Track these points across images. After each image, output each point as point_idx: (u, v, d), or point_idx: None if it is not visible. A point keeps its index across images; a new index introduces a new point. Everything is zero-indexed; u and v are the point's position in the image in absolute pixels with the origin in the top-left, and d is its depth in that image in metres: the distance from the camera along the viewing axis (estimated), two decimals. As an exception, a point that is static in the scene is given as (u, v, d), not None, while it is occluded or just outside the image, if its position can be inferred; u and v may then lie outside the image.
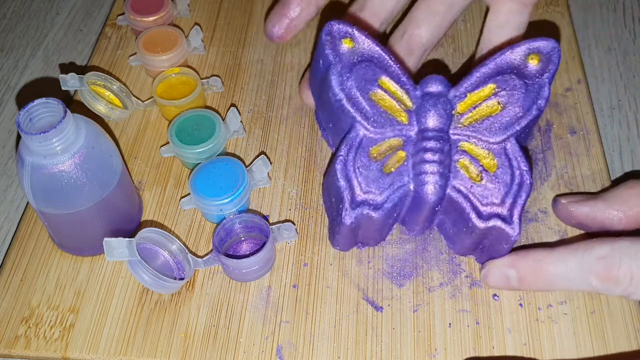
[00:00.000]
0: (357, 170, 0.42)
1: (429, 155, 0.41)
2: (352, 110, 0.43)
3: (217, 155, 0.47)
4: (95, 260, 0.45)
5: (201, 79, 0.53)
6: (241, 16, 0.60)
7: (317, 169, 0.49)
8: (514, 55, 0.44)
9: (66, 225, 0.43)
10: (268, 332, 0.41)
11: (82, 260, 0.45)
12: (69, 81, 0.49)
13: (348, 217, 0.41)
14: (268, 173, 0.47)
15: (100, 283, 0.44)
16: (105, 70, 0.56)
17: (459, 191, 0.41)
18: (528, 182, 0.41)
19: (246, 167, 0.46)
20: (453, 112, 0.43)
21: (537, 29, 0.55)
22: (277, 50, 0.57)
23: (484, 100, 0.43)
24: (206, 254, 0.44)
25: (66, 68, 0.59)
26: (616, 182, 0.44)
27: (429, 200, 0.41)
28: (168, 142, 0.48)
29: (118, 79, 0.54)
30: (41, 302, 0.43)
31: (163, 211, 0.47)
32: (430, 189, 0.41)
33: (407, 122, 0.43)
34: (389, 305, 0.42)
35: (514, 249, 0.42)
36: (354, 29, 0.44)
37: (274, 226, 0.44)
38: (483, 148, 0.42)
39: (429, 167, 0.41)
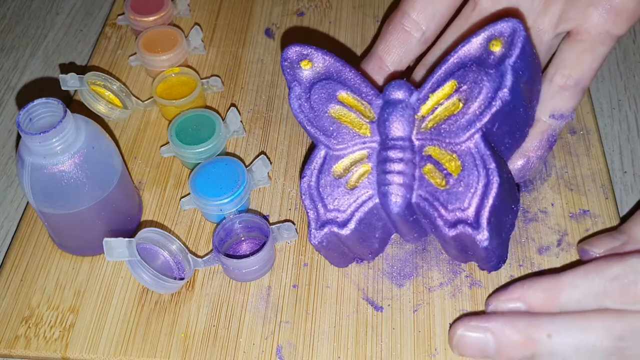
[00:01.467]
0: (320, 190, 0.41)
1: (391, 166, 0.40)
2: (312, 130, 0.43)
3: (217, 155, 0.47)
4: (95, 260, 0.45)
5: (201, 78, 0.53)
6: (241, 16, 0.60)
7: (317, 168, 0.49)
8: (475, 44, 0.41)
9: (66, 225, 0.43)
10: (268, 332, 0.41)
11: (82, 260, 0.45)
12: (69, 81, 0.49)
13: (314, 238, 0.41)
14: (268, 173, 0.47)
15: (100, 283, 0.44)
16: (105, 70, 0.56)
17: (425, 199, 0.40)
18: (495, 180, 0.38)
19: (246, 167, 0.46)
20: (416, 116, 0.41)
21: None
22: (277, 50, 0.57)
23: (446, 99, 0.41)
24: (206, 254, 0.44)
25: (66, 68, 0.59)
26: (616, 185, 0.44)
27: (393, 212, 0.40)
28: (168, 142, 0.48)
29: (118, 79, 0.54)
30: (41, 302, 0.43)
31: (163, 211, 0.47)
32: (392, 200, 0.40)
33: (369, 134, 0.42)
34: (389, 305, 0.42)
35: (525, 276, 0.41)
36: (311, 49, 0.44)
37: (274, 226, 0.44)
38: (447, 150, 0.40)
39: (391, 178, 0.40)
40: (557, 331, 0.36)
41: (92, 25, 0.63)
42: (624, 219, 0.43)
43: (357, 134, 0.42)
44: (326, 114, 0.43)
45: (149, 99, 0.53)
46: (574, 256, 0.43)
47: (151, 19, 0.55)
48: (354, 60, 0.51)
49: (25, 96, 0.58)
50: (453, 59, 0.41)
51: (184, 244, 0.44)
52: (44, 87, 0.58)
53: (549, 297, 0.38)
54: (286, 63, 0.44)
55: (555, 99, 0.44)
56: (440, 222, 0.39)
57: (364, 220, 0.41)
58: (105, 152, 0.42)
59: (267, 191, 0.48)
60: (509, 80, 0.39)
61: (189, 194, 0.45)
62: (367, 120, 0.43)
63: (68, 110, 0.39)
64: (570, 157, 0.48)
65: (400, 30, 0.46)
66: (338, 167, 0.42)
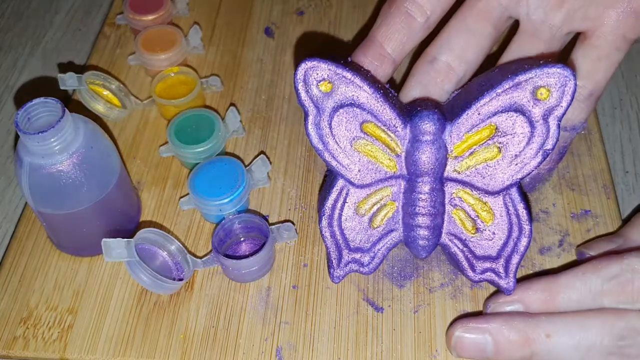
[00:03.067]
0: (343, 228, 0.40)
1: (419, 208, 0.39)
2: (333, 164, 0.39)
3: (217, 155, 0.47)
4: (94, 261, 0.44)
5: (200, 78, 0.53)
6: (241, 15, 0.60)
7: (317, 169, 0.48)
8: (519, 88, 0.37)
9: (65, 225, 0.42)
10: (268, 333, 0.41)
11: (80, 260, 0.45)
12: (68, 80, 0.49)
13: (336, 279, 0.41)
14: (268, 173, 0.47)
15: (98, 284, 0.43)
16: (104, 70, 0.55)
17: (453, 242, 0.40)
18: (527, 235, 0.39)
19: (245, 167, 0.45)
20: (448, 155, 0.39)
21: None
22: (277, 49, 0.57)
23: (483, 143, 0.38)
24: (205, 255, 0.44)
25: (65, 67, 0.59)
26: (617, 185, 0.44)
27: (420, 256, 0.41)
28: (167, 142, 0.48)
29: (117, 79, 0.53)
30: (39, 303, 0.43)
31: (162, 211, 0.47)
32: (421, 244, 0.40)
33: (396, 170, 0.40)
34: (389, 305, 0.42)
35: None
36: (331, 67, 0.38)
37: (273, 226, 0.44)
38: (479, 196, 0.39)
39: (420, 221, 0.39)
40: (555, 331, 0.36)
41: (91, 25, 0.63)
42: (626, 220, 0.43)
43: (382, 170, 0.40)
44: (349, 147, 0.39)
45: (147, 98, 0.53)
46: (575, 256, 0.43)
47: (150, 18, 0.55)
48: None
49: (23, 96, 0.57)
50: (493, 100, 0.37)
51: (183, 244, 0.44)
52: (43, 87, 0.58)
53: (547, 298, 0.38)
54: (301, 84, 0.38)
55: (568, 111, 0.42)
56: (466, 266, 0.40)
57: (385, 256, 0.41)
58: (104, 152, 0.41)
59: (267, 191, 0.47)
60: (554, 137, 0.37)
61: (188, 194, 0.45)
62: (394, 155, 0.40)
63: (66, 109, 0.38)
64: (572, 157, 0.48)
65: (403, 13, 0.42)
66: (362, 204, 0.40)
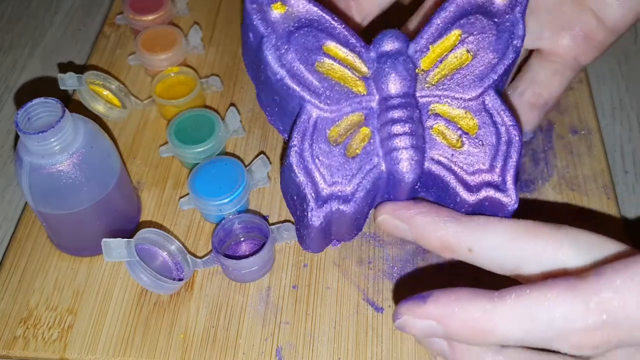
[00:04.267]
0: (316, 160, 0.36)
1: (397, 128, 0.36)
2: (298, 88, 0.36)
3: (217, 155, 0.47)
4: (94, 261, 0.44)
5: (200, 78, 0.53)
6: (241, 14, 0.60)
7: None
8: None
9: (65, 225, 0.42)
10: (268, 333, 0.41)
11: (80, 260, 0.45)
12: (68, 81, 0.49)
13: (316, 218, 0.36)
14: (268, 173, 0.47)
15: (98, 284, 0.43)
16: (104, 70, 0.55)
17: (439, 162, 0.36)
18: (517, 138, 0.36)
19: (246, 167, 0.45)
20: (417, 70, 0.37)
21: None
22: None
23: (451, 51, 0.37)
24: (205, 255, 0.44)
25: (65, 67, 0.59)
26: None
27: (406, 180, 0.36)
28: (167, 142, 0.48)
29: (117, 79, 0.53)
30: (39, 303, 0.43)
31: (162, 211, 0.47)
32: (406, 166, 0.35)
33: (365, 92, 0.37)
34: (389, 305, 0.42)
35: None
36: None
37: (273, 226, 0.44)
38: (459, 107, 0.37)
39: (399, 142, 0.35)
40: (478, 246, 0.33)
41: (91, 25, 0.63)
42: (626, 220, 0.43)
43: (351, 92, 0.37)
44: (312, 68, 0.37)
45: (147, 98, 0.53)
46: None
47: (150, 18, 0.55)
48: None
49: (23, 96, 0.57)
50: (451, 6, 0.37)
51: (182, 244, 0.44)
52: (43, 87, 0.58)
53: (479, 329, 0.30)
54: (254, 6, 0.37)
55: (522, 116, 0.44)
56: (460, 188, 0.36)
57: (368, 192, 0.36)
58: (104, 152, 0.41)
59: (267, 191, 0.47)
60: (520, 29, 0.37)
61: (188, 194, 0.45)
62: (360, 76, 0.37)
63: (66, 109, 0.38)
64: (572, 157, 0.48)
65: (343, 7, 0.43)
66: (333, 131, 0.37)
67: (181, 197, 0.47)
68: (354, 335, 0.40)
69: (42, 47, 0.61)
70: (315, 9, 0.37)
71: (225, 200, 0.43)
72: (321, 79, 0.37)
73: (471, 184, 0.36)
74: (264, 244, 0.42)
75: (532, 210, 0.45)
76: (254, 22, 0.37)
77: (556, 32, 0.43)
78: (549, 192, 0.46)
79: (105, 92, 0.52)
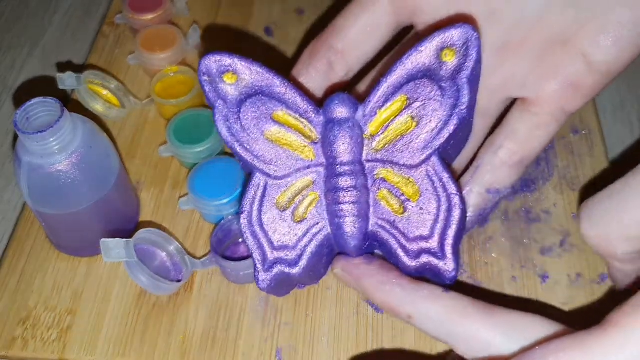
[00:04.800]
0: (264, 227, 0.38)
1: (343, 196, 0.37)
2: (247, 157, 0.38)
3: (216, 154, 0.47)
4: (93, 261, 0.44)
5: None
6: (241, 14, 0.60)
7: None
8: (424, 53, 0.36)
9: (64, 225, 0.42)
10: (267, 334, 0.41)
11: (79, 261, 0.44)
12: (67, 80, 0.49)
13: (262, 282, 0.38)
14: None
15: (98, 284, 0.43)
16: (104, 69, 0.55)
17: (383, 227, 0.37)
18: (458, 206, 0.36)
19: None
20: (364, 135, 0.38)
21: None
22: (277, 49, 0.57)
23: (396, 117, 0.37)
24: (204, 256, 0.44)
25: (64, 67, 0.59)
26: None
27: (350, 246, 0.38)
28: (166, 142, 0.48)
29: (116, 78, 0.53)
30: (38, 304, 0.42)
31: (161, 212, 0.47)
32: (349, 232, 0.37)
33: (313, 158, 0.38)
34: (389, 306, 0.41)
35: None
36: (234, 59, 0.38)
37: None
38: (402, 174, 0.37)
39: (344, 209, 0.37)
40: (418, 314, 0.35)
41: (90, 24, 0.63)
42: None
43: (299, 158, 0.38)
44: (262, 137, 0.38)
45: (147, 98, 0.53)
46: (576, 257, 0.43)
47: (149, 17, 0.54)
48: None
49: (22, 95, 0.57)
50: (400, 70, 0.37)
51: (182, 245, 0.44)
52: (42, 87, 0.58)
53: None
54: (205, 78, 0.38)
55: (496, 174, 0.41)
56: (401, 253, 0.37)
57: (315, 254, 0.38)
58: (103, 152, 0.41)
59: (267, 191, 0.47)
60: (466, 96, 0.36)
61: (187, 194, 0.45)
62: (309, 142, 0.38)
63: (65, 109, 0.38)
64: (573, 157, 0.48)
65: (324, 64, 0.42)
66: (282, 197, 0.38)
67: (180, 197, 0.47)
68: (354, 336, 0.40)
69: (41, 46, 0.61)
70: (267, 75, 0.38)
71: (225, 201, 0.43)
72: (270, 147, 0.38)
73: (410, 250, 0.37)
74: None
75: (532, 211, 0.45)
76: (206, 93, 0.38)
77: (541, 78, 0.39)
78: (549, 192, 0.46)
79: (105, 92, 0.52)
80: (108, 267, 0.44)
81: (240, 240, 0.44)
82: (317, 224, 0.38)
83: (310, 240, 0.38)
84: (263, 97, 0.38)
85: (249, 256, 0.41)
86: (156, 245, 0.43)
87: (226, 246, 0.44)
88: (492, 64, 0.39)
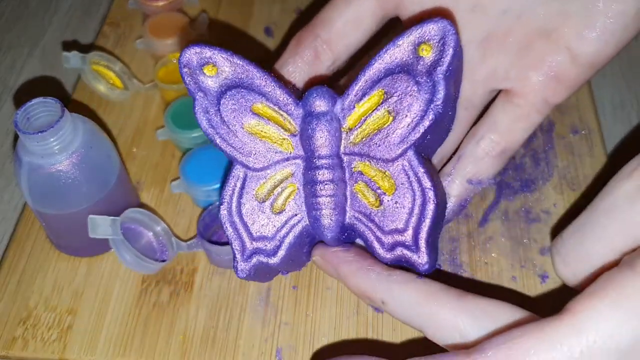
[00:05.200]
0: (243, 217, 0.39)
1: (320, 189, 0.38)
2: (226, 149, 0.39)
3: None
4: (94, 261, 0.44)
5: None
6: (241, 14, 0.60)
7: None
8: (402, 48, 0.37)
9: (64, 225, 0.42)
10: (267, 334, 0.41)
11: (80, 261, 0.44)
12: (72, 59, 0.50)
13: (241, 272, 0.38)
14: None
15: (98, 284, 0.43)
16: (111, 52, 0.56)
17: (359, 220, 0.38)
18: (432, 200, 0.36)
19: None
20: (342, 128, 0.38)
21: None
22: (277, 49, 0.57)
23: (374, 111, 0.38)
24: (190, 239, 0.44)
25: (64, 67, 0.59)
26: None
27: (327, 237, 0.38)
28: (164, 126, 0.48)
29: (122, 62, 0.54)
30: (39, 304, 0.42)
31: (161, 211, 0.47)
32: (326, 224, 0.38)
33: (292, 150, 0.39)
34: (389, 306, 0.41)
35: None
36: (214, 51, 0.38)
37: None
38: (378, 167, 0.38)
39: (321, 202, 0.38)
40: (391, 299, 0.35)
41: (90, 24, 0.63)
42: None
43: (278, 151, 0.39)
44: (241, 129, 0.39)
45: (150, 82, 0.53)
46: (576, 257, 0.43)
47: (160, 3, 0.56)
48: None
49: (22, 96, 0.57)
50: (378, 64, 0.37)
51: (182, 240, 0.44)
52: (42, 87, 0.58)
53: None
54: (185, 69, 0.38)
55: (478, 165, 0.41)
56: (376, 245, 0.37)
57: (294, 245, 0.39)
58: (103, 152, 0.41)
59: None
60: (441, 91, 0.36)
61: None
62: (288, 134, 0.39)
63: (66, 109, 0.38)
64: (573, 157, 0.48)
65: (310, 53, 0.42)
66: (260, 189, 0.39)
67: (172, 181, 0.47)
68: (354, 335, 0.40)
69: (41, 46, 0.61)
70: (248, 67, 0.38)
71: (214, 187, 0.43)
72: (249, 140, 0.39)
73: (385, 242, 0.37)
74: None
75: (532, 211, 0.45)
76: (187, 85, 0.39)
77: (525, 70, 0.40)
78: (549, 192, 0.46)
79: (109, 73, 0.53)
80: (108, 267, 0.44)
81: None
82: (296, 215, 0.39)
83: (289, 232, 0.39)
84: (242, 90, 0.38)
85: None
86: (143, 225, 0.43)
87: (213, 230, 0.45)
88: (476, 55, 0.40)
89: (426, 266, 0.36)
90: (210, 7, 0.60)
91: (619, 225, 0.33)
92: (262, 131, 0.39)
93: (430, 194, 0.36)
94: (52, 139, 0.38)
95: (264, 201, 0.39)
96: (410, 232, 0.37)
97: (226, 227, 0.39)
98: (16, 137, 0.45)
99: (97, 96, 0.53)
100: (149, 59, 0.56)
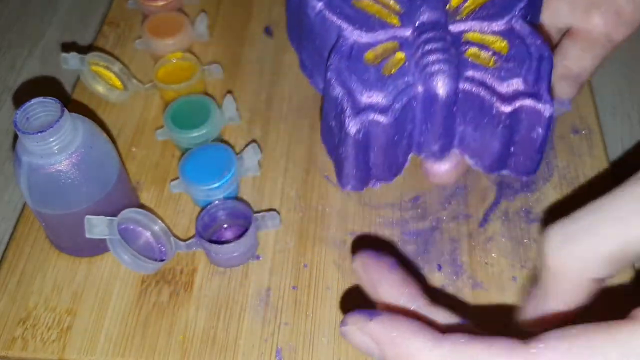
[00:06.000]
0: (353, 76, 0.38)
1: (431, 53, 0.38)
2: (336, 19, 0.40)
3: (212, 141, 0.47)
4: (93, 261, 0.44)
5: (202, 65, 0.53)
6: (241, 14, 0.60)
7: (317, 169, 0.48)
8: None
9: (63, 225, 0.42)
10: (267, 334, 0.41)
11: (79, 261, 0.44)
12: (70, 60, 0.50)
13: (353, 125, 0.37)
14: (258, 161, 0.47)
15: (98, 284, 0.43)
16: (110, 53, 0.56)
17: (474, 80, 0.38)
18: (547, 53, 0.38)
19: (237, 154, 0.46)
20: (447, 7, 0.40)
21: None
22: (277, 49, 0.56)
23: None
24: (189, 238, 0.44)
25: (68, 50, 0.59)
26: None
27: (441, 95, 0.37)
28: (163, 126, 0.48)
29: (121, 62, 0.54)
30: (38, 304, 0.42)
31: (161, 211, 0.47)
32: (440, 81, 0.37)
33: (399, 24, 0.40)
34: (389, 306, 0.41)
35: None
36: None
37: (258, 214, 0.44)
38: (489, 33, 0.39)
39: (434, 58, 0.37)
40: None
41: (90, 24, 0.63)
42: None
43: (386, 23, 0.40)
44: (349, 3, 0.40)
45: (149, 82, 0.53)
46: (576, 257, 0.43)
47: (160, 3, 0.56)
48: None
49: (22, 96, 0.57)
50: None
51: (181, 240, 0.44)
52: (42, 87, 0.58)
53: None
54: None
55: (555, 87, 0.45)
56: (494, 100, 0.37)
57: (404, 110, 0.38)
58: (103, 152, 0.41)
59: (267, 191, 0.47)
60: None
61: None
62: (395, 13, 0.40)
63: (65, 109, 0.38)
64: (573, 157, 0.48)
65: None
66: (369, 54, 0.39)
67: (172, 180, 0.47)
68: (354, 336, 0.40)
69: (41, 47, 0.61)
70: None
71: (213, 186, 0.44)
72: (358, 12, 0.40)
73: (505, 95, 0.37)
74: (246, 230, 0.42)
75: (532, 211, 0.45)
76: None
77: (587, 10, 0.44)
78: (549, 192, 0.46)
79: (108, 74, 0.53)
80: (108, 267, 0.44)
81: (226, 226, 0.45)
82: (406, 78, 0.38)
83: (400, 92, 0.38)
84: None
85: (232, 240, 0.41)
86: (141, 224, 0.43)
87: (212, 230, 0.45)
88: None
89: (551, 112, 0.37)
90: (210, 7, 0.60)
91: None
92: (370, 6, 0.41)
93: (545, 49, 0.38)
94: (51, 139, 0.38)
95: (373, 64, 0.39)
96: (530, 82, 0.37)
97: (335, 87, 0.38)
98: (16, 137, 0.45)
99: (97, 96, 0.52)
100: (148, 59, 0.56)
